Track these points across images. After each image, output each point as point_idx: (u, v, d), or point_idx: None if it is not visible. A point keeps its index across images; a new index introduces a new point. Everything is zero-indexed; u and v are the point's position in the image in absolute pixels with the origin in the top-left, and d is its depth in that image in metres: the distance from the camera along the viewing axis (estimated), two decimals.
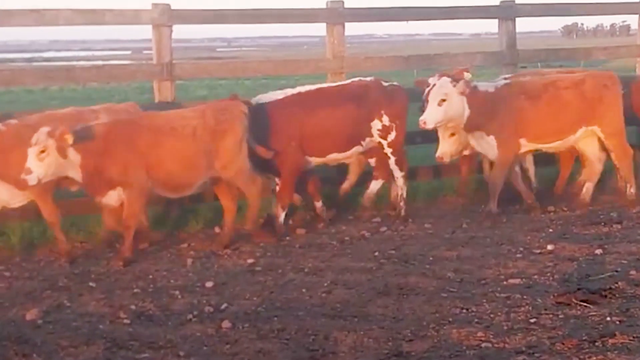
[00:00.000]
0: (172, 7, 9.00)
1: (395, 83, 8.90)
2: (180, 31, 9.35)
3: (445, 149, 8.82)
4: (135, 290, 6.71)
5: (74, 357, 5.34)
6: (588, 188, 9.19)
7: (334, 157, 8.68)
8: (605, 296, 6.10)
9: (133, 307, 6.29)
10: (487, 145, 8.72)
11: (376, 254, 7.57)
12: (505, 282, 6.64)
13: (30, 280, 7.06)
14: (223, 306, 6.24)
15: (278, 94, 8.60)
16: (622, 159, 9.12)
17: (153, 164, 7.56)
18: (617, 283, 6.37)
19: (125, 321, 5.99)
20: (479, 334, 5.47)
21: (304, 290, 6.58)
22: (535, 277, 6.75)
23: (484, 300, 6.17)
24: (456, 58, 12.03)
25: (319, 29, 10.37)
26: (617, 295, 6.13)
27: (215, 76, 11.56)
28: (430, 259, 7.39)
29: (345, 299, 6.32)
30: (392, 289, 6.50)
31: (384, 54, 13.87)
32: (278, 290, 6.63)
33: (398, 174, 8.83)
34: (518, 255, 7.41)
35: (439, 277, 6.82)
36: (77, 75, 9.74)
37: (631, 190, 9.14)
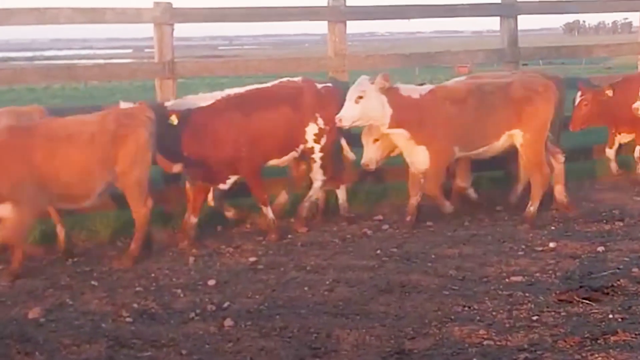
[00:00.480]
0: (174, 6, 9.00)
1: (329, 84, 8.65)
2: (182, 29, 9.35)
3: (370, 155, 8.46)
4: (138, 289, 6.72)
5: (77, 356, 5.35)
6: (559, 191, 8.83)
7: (272, 163, 8.40)
8: (608, 294, 6.10)
9: (135, 305, 6.29)
10: (418, 156, 8.28)
11: (378, 251, 7.57)
12: (507, 280, 6.64)
13: (33, 278, 7.06)
14: (225, 304, 6.25)
15: (202, 98, 8.16)
16: (533, 172, 8.60)
17: (47, 175, 7.07)
18: (619, 280, 6.37)
19: (128, 320, 5.99)
20: (481, 331, 5.48)
21: (306, 288, 6.59)
22: (537, 274, 6.76)
23: (486, 298, 6.18)
24: (457, 56, 12.05)
25: (320, 27, 10.36)
26: (619, 293, 6.13)
27: (217, 74, 11.54)
28: (432, 256, 7.39)
29: (347, 297, 6.32)
30: (394, 287, 6.51)
31: (386, 52, 13.88)
32: (280, 288, 6.63)
33: (319, 177, 8.49)
34: (520, 253, 7.42)
35: (441, 275, 6.83)
36: (79, 74, 9.75)
37: (531, 208, 8.53)
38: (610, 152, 10.35)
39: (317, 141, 8.43)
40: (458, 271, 6.91)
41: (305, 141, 8.41)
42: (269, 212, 8.23)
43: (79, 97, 24.96)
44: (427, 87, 8.63)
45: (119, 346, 5.47)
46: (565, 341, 5.22)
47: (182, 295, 6.54)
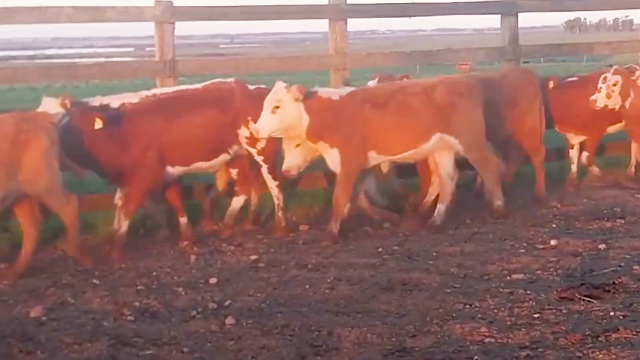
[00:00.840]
0: (175, 4, 9.00)
1: (262, 86, 8.37)
2: (183, 28, 9.35)
3: (292, 161, 8.02)
4: (139, 287, 6.72)
5: (78, 354, 5.35)
6: (440, 210, 8.34)
7: (199, 166, 8.08)
8: (609, 291, 6.10)
9: (137, 304, 6.30)
10: (331, 159, 8.01)
11: (379, 249, 7.57)
12: (508, 278, 6.64)
13: (34, 277, 7.06)
14: (227, 303, 6.25)
15: (126, 98, 7.88)
16: (485, 171, 8.54)
17: None
18: (620, 278, 6.37)
19: (129, 318, 5.99)
20: (483, 329, 5.48)
21: (307, 286, 6.59)
22: (539, 272, 6.76)
23: (488, 296, 6.18)
24: (459, 54, 12.06)
25: (321, 25, 10.36)
26: (620, 290, 6.13)
27: (218, 73, 11.49)
28: (434, 254, 7.39)
29: (348, 295, 6.32)
30: (396, 285, 6.51)
31: (387, 50, 13.87)
32: (281, 286, 6.63)
33: (272, 184, 8.25)
34: (521, 251, 7.41)
35: (442, 272, 6.83)
36: (80, 73, 9.75)
37: (498, 202, 8.51)
38: (572, 153, 10.05)
39: (252, 145, 8.11)
40: (459, 269, 6.92)
41: (239, 144, 8.12)
42: (125, 226, 7.72)
43: (80, 96, 24.86)
44: (348, 89, 8.38)
45: (121, 344, 5.47)
46: (567, 339, 5.22)
47: (183, 293, 6.54)
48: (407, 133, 8.15)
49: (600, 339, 5.21)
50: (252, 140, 8.04)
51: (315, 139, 7.94)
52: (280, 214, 8.27)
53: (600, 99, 9.19)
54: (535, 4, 11.29)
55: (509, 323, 5.61)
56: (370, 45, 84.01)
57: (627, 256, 7.08)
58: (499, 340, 5.31)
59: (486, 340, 5.32)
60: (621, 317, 5.59)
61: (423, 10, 10.93)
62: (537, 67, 13.95)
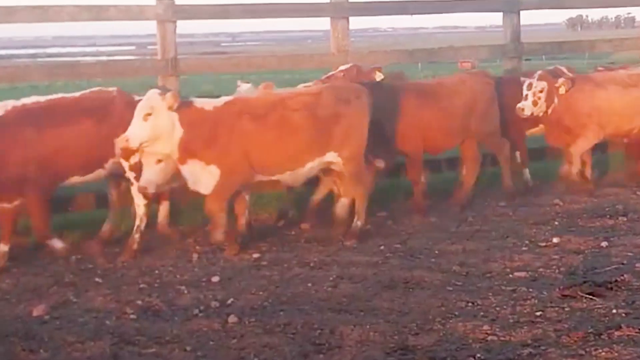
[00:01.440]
0: (176, 3, 9.01)
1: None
2: (185, 26, 9.37)
3: (151, 177, 7.36)
4: (142, 286, 6.73)
5: (81, 353, 5.35)
6: (343, 204, 8.01)
7: (74, 180, 7.55)
8: (611, 289, 6.10)
9: (139, 302, 6.30)
10: (206, 177, 7.34)
11: (382, 247, 7.58)
12: (510, 276, 6.65)
13: (37, 276, 7.07)
14: (229, 301, 6.25)
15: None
16: (356, 188, 7.85)
17: None
18: (622, 276, 6.36)
19: (132, 316, 6.00)
20: (485, 327, 5.48)
21: (309, 284, 6.59)
22: (541, 270, 6.76)
23: (490, 294, 6.18)
24: (460, 52, 12.07)
25: (323, 23, 10.38)
26: (622, 288, 6.13)
27: (220, 71, 11.55)
28: (436, 252, 7.39)
29: (351, 293, 6.32)
30: (398, 283, 6.51)
31: (388, 48, 13.88)
32: (284, 284, 6.64)
33: (140, 202, 7.59)
34: (523, 249, 7.41)
35: (444, 270, 6.83)
36: (82, 71, 9.76)
37: (358, 222, 7.86)
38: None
39: (125, 158, 7.47)
40: (462, 267, 6.92)
41: (114, 156, 7.49)
42: (54, 242, 7.43)
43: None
44: (223, 99, 7.61)
45: (123, 343, 5.47)
46: (569, 336, 5.22)
47: (185, 292, 6.54)
48: (290, 149, 7.51)
49: (602, 336, 5.20)
50: (127, 153, 7.40)
51: (187, 154, 7.26)
52: (137, 236, 7.59)
53: (527, 107, 8.88)
54: (537, 2, 11.30)
55: (511, 321, 5.61)
56: (372, 43, 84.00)
57: (629, 254, 7.08)
58: (502, 338, 5.31)
59: (488, 338, 5.32)
60: (623, 315, 5.59)
61: (425, 8, 10.94)
62: (539, 65, 13.92)
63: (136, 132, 7.06)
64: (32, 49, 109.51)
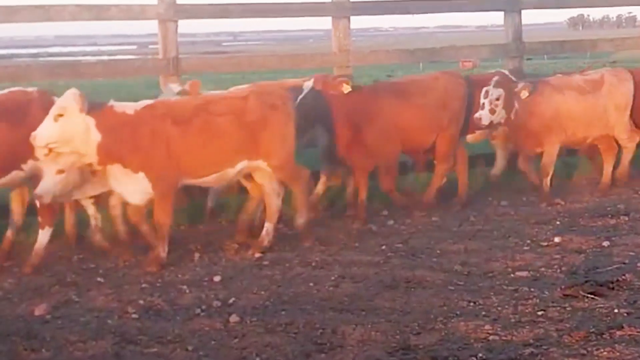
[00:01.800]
0: (178, 2, 9.02)
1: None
2: (186, 26, 9.36)
3: (49, 186, 6.95)
4: (143, 285, 6.73)
5: (83, 352, 5.36)
6: (268, 229, 7.61)
7: None
8: (613, 288, 6.10)
9: (141, 301, 6.30)
10: (137, 185, 7.11)
11: (383, 247, 7.58)
12: (512, 275, 6.64)
13: (39, 275, 7.07)
14: (231, 300, 6.25)
15: None
16: (297, 186, 7.63)
17: None
18: (624, 275, 6.36)
19: (134, 316, 6.00)
20: (487, 326, 5.48)
21: (311, 284, 6.59)
22: (543, 269, 6.75)
23: (492, 293, 6.18)
24: (462, 51, 12.07)
25: (324, 22, 10.38)
26: (624, 288, 6.13)
27: (221, 71, 11.56)
28: (438, 252, 7.39)
29: (352, 293, 6.33)
30: (400, 283, 6.51)
31: (390, 48, 13.88)
32: (285, 284, 6.64)
33: (87, 202, 7.47)
34: (525, 248, 7.41)
35: (446, 270, 6.83)
36: (83, 71, 9.76)
37: (300, 220, 7.70)
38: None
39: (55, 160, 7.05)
40: (463, 266, 6.92)
41: (36, 159, 7.09)
42: None
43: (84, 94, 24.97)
44: (144, 102, 7.31)
45: (125, 342, 5.47)
46: (571, 336, 5.22)
47: (187, 291, 6.54)
48: (215, 154, 7.30)
49: (604, 336, 5.20)
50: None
51: (108, 160, 6.99)
52: (98, 237, 7.57)
53: (484, 116, 8.54)
54: (538, 1, 11.29)
55: (513, 320, 5.61)
56: (374, 42, 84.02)
57: (631, 253, 7.08)
58: (503, 338, 5.31)
59: (490, 337, 5.32)
60: (625, 315, 5.59)
61: (426, 8, 10.94)
62: (541, 65, 13.92)
63: (43, 132, 6.78)
64: (34, 48, 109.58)
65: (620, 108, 9.34)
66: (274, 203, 7.61)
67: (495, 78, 8.78)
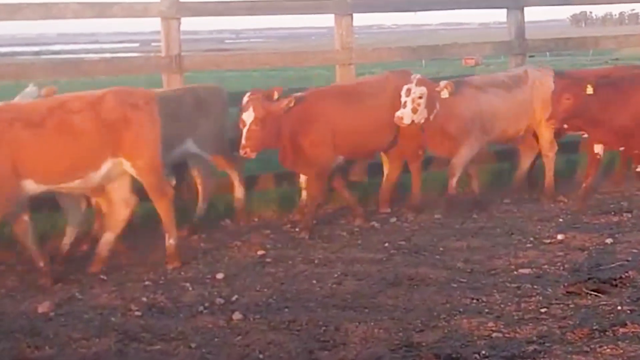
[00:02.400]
0: (180, 0, 9.01)
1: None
2: (189, 23, 9.36)
3: None
4: (147, 283, 6.74)
5: (86, 350, 5.37)
6: (107, 239, 7.19)
7: None
8: (616, 285, 6.10)
9: (144, 299, 6.31)
10: None
11: (386, 244, 7.58)
12: (515, 272, 6.65)
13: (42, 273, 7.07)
14: (234, 298, 6.26)
15: None
16: (159, 201, 7.21)
17: None
18: (627, 272, 6.37)
19: (137, 313, 6.01)
20: (490, 324, 5.48)
21: (314, 281, 6.60)
22: (546, 267, 6.76)
23: (495, 291, 6.18)
24: (465, 48, 12.05)
25: (327, 20, 10.37)
26: (627, 285, 6.13)
27: (224, 68, 11.55)
28: (441, 249, 7.39)
29: (355, 290, 6.33)
30: (403, 280, 6.51)
31: (392, 45, 13.87)
32: (288, 281, 6.64)
33: None
34: (528, 245, 7.41)
35: (449, 267, 6.83)
36: (86, 69, 9.75)
37: (170, 241, 7.23)
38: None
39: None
40: (466, 264, 6.92)
41: None
42: None
43: None
44: None
45: (129, 340, 5.48)
46: (574, 333, 5.22)
47: (190, 288, 6.55)
48: (71, 158, 6.87)
49: (607, 333, 5.21)
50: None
51: None
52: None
53: (406, 115, 8.16)
54: None
55: (516, 318, 5.61)
56: (376, 40, 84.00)
57: (634, 250, 7.08)
58: (506, 335, 5.31)
59: (493, 335, 5.33)
60: (629, 312, 5.59)
61: (429, 5, 10.92)
62: (544, 62, 13.92)
63: None
64: (36, 46, 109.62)
65: (546, 103, 8.77)
66: (122, 213, 7.17)
67: (417, 76, 8.43)
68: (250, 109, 7.76)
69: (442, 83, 8.43)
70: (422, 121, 8.34)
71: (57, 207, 7.64)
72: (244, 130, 7.75)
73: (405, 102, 8.21)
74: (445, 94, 8.36)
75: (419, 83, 8.29)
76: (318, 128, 8.10)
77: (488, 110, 8.77)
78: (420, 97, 8.24)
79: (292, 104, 7.88)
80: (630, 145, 8.67)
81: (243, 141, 7.72)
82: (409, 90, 8.24)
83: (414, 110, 8.21)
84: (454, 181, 8.65)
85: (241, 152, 7.75)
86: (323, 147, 8.15)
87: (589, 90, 8.26)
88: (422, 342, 5.26)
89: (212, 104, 8.37)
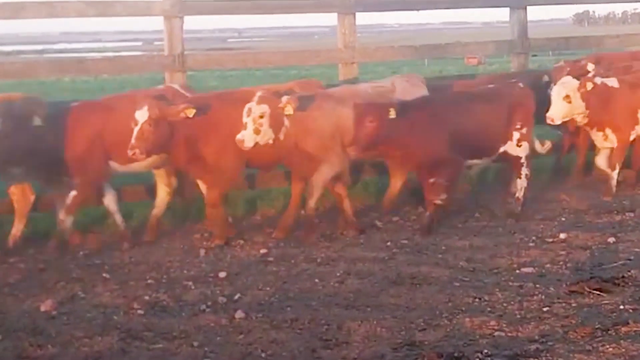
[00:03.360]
0: None
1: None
2: (192, 22, 9.35)
3: None
4: (149, 281, 6.74)
5: (89, 348, 5.37)
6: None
7: None
8: (618, 284, 6.10)
9: (147, 297, 6.32)
10: None
11: (388, 243, 7.58)
12: (518, 271, 6.65)
13: (44, 271, 7.09)
14: (236, 296, 6.26)
15: None
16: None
17: None
18: (630, 271, 6.37)
19: (139, 312, 6.01)
20: (492, 323, 5.48)
21: (316, 280, 6.60)
22: (548, 265, 6.76)
23: (497, 290, 6.18)
24: (468, 47, 12.06)
25: (329, 18, 10.37)
26: (630, 284, 6.13)
27: (227, 67, 11.58)
28: (443, 248, 7.39)
29: (358, 289, 6.33)
30: (405, 279, 6.51)
31: (395, 44, 13.86)
32: (291, 280, 6.64)
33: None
34: (531, 244, 7.41)
35: (451, 266, 6.83)
36: (89, 67, 9.78)
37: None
38: None
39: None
40: (469, 262, 6.92)
41: None
42: None
43: (90, 90, 25.08)
44: None
45: (131, 338, 5.49)
46: (576, 332, 5.22)
47: (193, 287, 6.56)
48: None
49: (610, 332, 5.21)
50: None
51: None
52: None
53: (247, 138, 7.39)
54: None
55: (518, 317, 5.61)
56: (379, 39, 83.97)
57: (636, 249, 7.08)
58: (509, 334, 5.31)
59: (496, 333, 5.33)
60: (631, 311, 5.59)
61: (432, 4, 10.93)
62: (546, 61, 13.91)
63: None
64: (39, 44, 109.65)
65: None
66: None
67: (259, 93, 7.60)
68: (145, 108, 7.32)
69: (284, 99, 7.57)
70: (270, 141, 7.56)
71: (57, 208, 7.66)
72: (135, 130, 7.30)
73: (246, 122, 7.44)
74: (289, 110, 7.51)
75: (260, 101, 7.50)
76: (220, 136, 7.64)
77: (349, 125, 7.79)
78: (261, 117, 7.45)
79: (190, 115, 7.37)
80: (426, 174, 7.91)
81: (132, 141, 7.27)
82: (249, 110, 7.46)
83: (256, 131, 7.43)
84: (312, 202, 7.91)
85: (129, 152, 7.25)
86: (227, 156, 7.68)
87: (392, 114, 7.53)
88: (424, 341, 5.26)
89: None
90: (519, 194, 8.38)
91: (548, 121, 8.44)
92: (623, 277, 6.24)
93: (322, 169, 7.86)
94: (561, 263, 6.80)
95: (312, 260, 7.17)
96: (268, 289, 6.44)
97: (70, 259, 7.41)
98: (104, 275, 6.94)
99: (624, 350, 4.93)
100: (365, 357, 5.10)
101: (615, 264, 6.65)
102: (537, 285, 6.21)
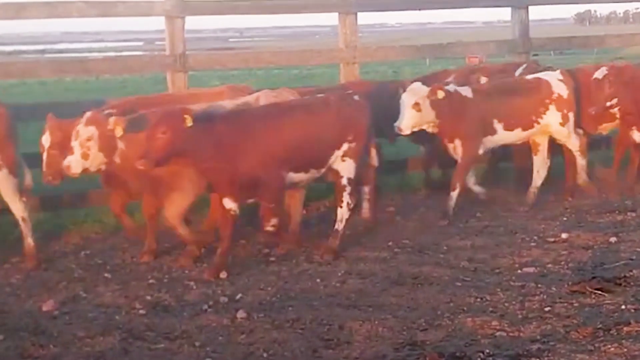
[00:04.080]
0: None
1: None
2: (193, 22, 9.36)
3: None
4: (151, 281, 6.75)
5: (90, 348, 5.37)
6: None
7: None
8: (620, 284, 6.10)
9: (148, 297, 6.32)
10: None
11: (390, 243, 7.58)
12: (519, 271, 6.64)
13: (46, 271, 7.10)
14: (238, 296, 6.27)
15: None
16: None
17: None
18: (631, 271, 6.36)
19: (141, 312, 6.02)
20: (494, 322, 5.48)
21: (318, 280, 6.60)
22: (550, 265, 6.75)
23: (499, 289, 6.18)
24: (469, 47, 12.06)
25: (331, 18, 10.37)
26: (631, 284, 6.13)
27: (229, 67, 11.56)
28: (444, 248, 7.39)
29: (359, 289, 6.33)
30: (407, 279, 6.52)
31: (397, 44, 13.86)
32: (292, 280, 6.65)
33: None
34: (532, 244, 7.41)
35: (453, 266, 6.83)
36: (91, 67, 9.78)
37: None
38: None
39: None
40: (470, 262, 6.92)
41: None
42: None
43: (92, 90, 25.12)
44: None
45: (133, 338, 5.49)
46: (578, 332, 5.22)
47: (194, 287, 6.56)
48: None
49: (611, 332, 5.21)
50: None
51: None
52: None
53: (74, 163, 6.81)
54: None
55: (520, 316, 5.61)
56: (381, 38, 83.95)
57: (638, 249, 7.07)
58: (510, 334, 5.31)
59: (497, 333, 5.33)
60: (632, 311, 5.59)
61: (433, 3, 10.93)
62: (548, 61, 13.92)
63: None
64: (41, 44, 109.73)
65: None
66: None
67: (87, 114, 6.94)
68: (47, 133, 6.99)
69: (112, 120, 6.84)
70: (102, 167, 7.00)
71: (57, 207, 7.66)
72: (44, 156, 6.99)
73: (73, 147, 6.85)
74: (119, 132, 6.80)
75: (88, 122, 6.87)
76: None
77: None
78: (89, 140, 6.85)
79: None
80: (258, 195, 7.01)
81: (44, 168, 6.99)
82: (77, 133, 6.85)
83: (84, 156, 6.84)
84: (181, 230, 7.24)
85: (44, 180, 6.99)
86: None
87: (188, 122, 6.58)
88: (426, 341, 5.26)
89: None
90: (338, 225, 7.33)
91: (397, 131, 7.85)
92: (625, 277, 6.23)
93: (174, 198, 7.17)
94: (563, 263, 6.80)
95: (313, 260, 7.17)
96: (269, 288, 6.44)
97: (72, 259, 7.41)
98: (106, 275, 6.95)
99: (625, 350, 4.93)
100: (367, 357, 5.10)
101: (617, 264, 6.65)
102: (539, 285, 6.21)
